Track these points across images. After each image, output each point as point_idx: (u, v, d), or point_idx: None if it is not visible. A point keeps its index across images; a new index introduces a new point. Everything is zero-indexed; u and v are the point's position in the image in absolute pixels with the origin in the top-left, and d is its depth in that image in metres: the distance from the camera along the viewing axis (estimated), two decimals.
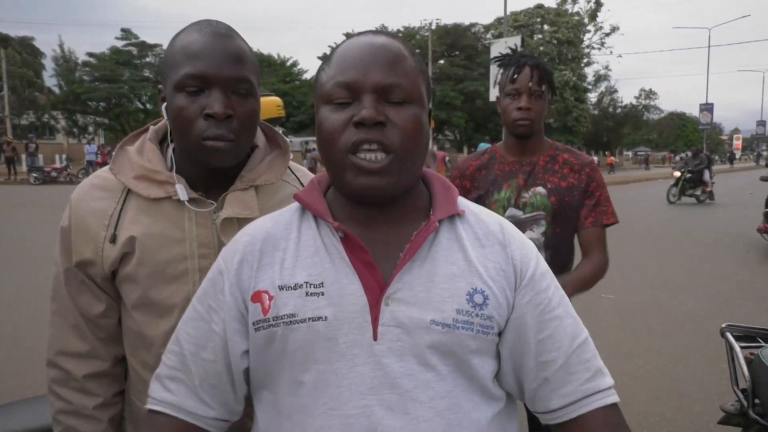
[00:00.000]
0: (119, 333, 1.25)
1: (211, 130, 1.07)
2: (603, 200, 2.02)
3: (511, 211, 2.00)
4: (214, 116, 1.06)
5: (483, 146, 6.40)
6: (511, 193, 2.02)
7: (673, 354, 4.56)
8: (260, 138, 1.27)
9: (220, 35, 1.10)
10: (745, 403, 1.85)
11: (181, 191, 1.14)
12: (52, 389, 1.24)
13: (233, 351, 0.93)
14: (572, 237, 2.04)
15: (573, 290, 1.83)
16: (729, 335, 1.98)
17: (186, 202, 1.14)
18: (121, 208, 1.17)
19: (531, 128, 1.99)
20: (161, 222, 1.15)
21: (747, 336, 1.99)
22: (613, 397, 0.93)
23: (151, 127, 1.25)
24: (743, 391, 1.89)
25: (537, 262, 0.96)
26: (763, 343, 1.94)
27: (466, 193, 2.07)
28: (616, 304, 5.95)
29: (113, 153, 1.22)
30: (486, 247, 0.94)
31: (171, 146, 1.20)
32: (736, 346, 1.92)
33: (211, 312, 0.94)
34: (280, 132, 1.34)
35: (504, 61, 2.11)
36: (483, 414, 0.91)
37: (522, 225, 1.97)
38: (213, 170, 1.15)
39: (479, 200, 2.02)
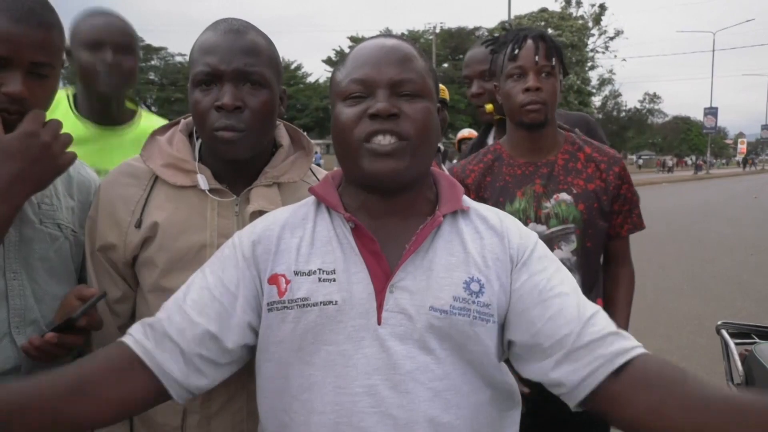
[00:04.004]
0: (130, 323, 1.27)
1: (221, 120, 1.12)
2: (636, 202, 1.73)
3: (534, 227, 1.61)
4: (224, 107, 1.11)
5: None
6: (527, 204, 1.63)
7: (674, 354, 4.58)
8: (285, 138, 1.31)
9: (233, 31, 1.15)
10: None
11: (202, 180, 1.18)
12: None
13: (240, 320, 0.96)
14: (601, 252, 1.72)
15: (626, 325, 1.66)
16: (724, 332, 2.02)
17: (207, 192, 1.18)
18: (148, 194, 1.21)
19: (544, 114, 1.59)
20: (184, 209, 1.19)
21: (742, 333, 2.02)
22: (641, 349, 0.90)
23: (183, 120, 1.30)
24: (738, 386, 1.92)
25: (534, 248, 1.01)
26: (758, 340, 1.98)
27: None
28: None
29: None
30: (485, 238, 1.00)
31: (198, 141, 1.25)
32: (731, 342, 1.95)
33: (220, 284, 0.98)
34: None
35: (497, 40, 1.74)
36: (481, 396, 0.95)
37: (548, 243, 1.58)
38: (236, 164, 1.19)
39: None
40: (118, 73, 1.76)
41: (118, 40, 1.77)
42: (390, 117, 0.92)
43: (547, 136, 1.66)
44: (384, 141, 0.92)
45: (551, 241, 1.61)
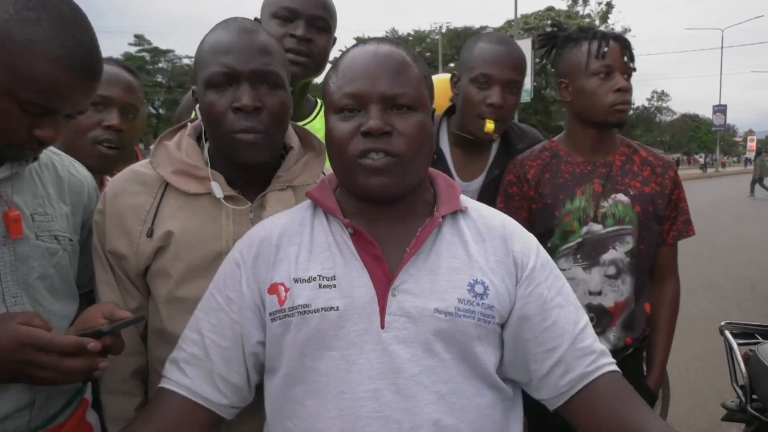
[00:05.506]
0: (144, 333, 1.25)
1: (241, 122, 1.09)
2: (684, 208, 1.72)
3: (590, 226, 1.62)
4: (243, 109, 1.08)
5: None
6: (587, 203, 1.62)
7: (686, 355, 4.55)
8: (294, 139, 1.28)
9: (246, 30, 1.12)
10: (743, 399, 1.88)
11: (217, 189, 1.15)
12: (103, 397, 1.23)
13: (248, 340, 0.99)
14: (652, 256, 1.71)
15: (668, 345, 1.72)
16: (727, 333, 2.00)
17: (222, 200, 1.15)
18: (158, 202, 1.17)
19: (627, 115, 1.61)
20: (198, 218, 1.16)
21: (745, 333, 2.01)
22: (614, 366, 0.99)
23: (189, 124, 1.27)
24: (742, 387, 1.92)
25: (537, 254, 1.02)
26: (761, 340, 1.97)
27: (529, 203, 1.68)
28: None
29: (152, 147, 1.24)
30: (487, 240, 1.00)
31: (207, 145, 1.21)
32: (734, 343, 1.94)
33: (230, 303, 1.00)
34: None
35: (556, 36, 1.71)
36: (485, 399, 0.95)
37: (603, 242, 1.61)
38: (248, 169, 1.16)
39: (546, 211, 1.65)
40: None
41: None
42: (383, 135, 0.92)
43: (610, 137, 1.67)
44: (376, 157, 0.92)
45: (605, 241, 1.61)
